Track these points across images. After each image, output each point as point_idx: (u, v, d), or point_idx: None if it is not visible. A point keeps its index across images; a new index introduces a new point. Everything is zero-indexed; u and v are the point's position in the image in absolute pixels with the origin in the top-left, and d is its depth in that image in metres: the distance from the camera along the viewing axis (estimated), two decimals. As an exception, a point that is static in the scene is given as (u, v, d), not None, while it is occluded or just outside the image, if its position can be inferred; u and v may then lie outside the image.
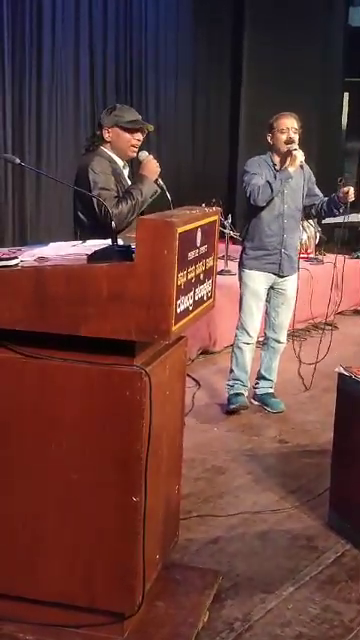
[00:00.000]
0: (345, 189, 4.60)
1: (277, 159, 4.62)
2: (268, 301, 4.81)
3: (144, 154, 3.62)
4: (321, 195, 4.79)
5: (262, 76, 9.33)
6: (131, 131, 3.61)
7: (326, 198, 4.75)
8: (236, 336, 4.80)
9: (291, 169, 4.49)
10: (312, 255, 7.54)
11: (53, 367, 2.32)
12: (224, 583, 2.91)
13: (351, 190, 4.59)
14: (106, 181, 3.49)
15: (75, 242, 2.71)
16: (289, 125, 4.57)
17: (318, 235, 7.68)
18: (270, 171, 4.58)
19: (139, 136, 3.64)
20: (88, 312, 2.22)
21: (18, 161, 2.85)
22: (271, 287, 4.75)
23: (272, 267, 4.67)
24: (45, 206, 6.68)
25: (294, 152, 4.49)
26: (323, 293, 6.92)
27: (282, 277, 4.72)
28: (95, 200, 3.37)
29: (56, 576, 2.42)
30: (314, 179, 4.81)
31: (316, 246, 7.67)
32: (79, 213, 3.57)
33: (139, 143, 3.64)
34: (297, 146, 4.51)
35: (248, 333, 4.75)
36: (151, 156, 3.62)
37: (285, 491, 3.77)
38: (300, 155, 4.50)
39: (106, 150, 3.62)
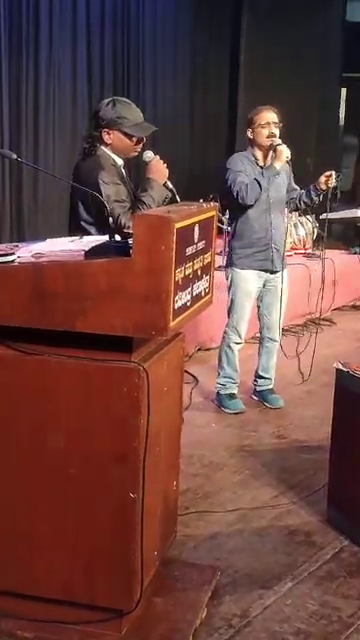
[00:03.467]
0: (327, 173, 4.54)
1: (259, 154, 4.58)
2: (260, 300, 4.77)
3: (149, 154, 3.34)
4: (298, 189, 4.75)
5: (260, 71, 9.32)
6: (135, 137, 3.34)
7: (303, 191, 4.70)
8: (226, 335, 4.76)
9: (278, 165, 4.45)
10: (309, 251, 7.54)
11: (51, 363, 2.31)
12: (222, 579, 2.91)
13: (333, 175, 4.54)
14: (118, 192, 3.24)
15: (73, 238, 2.69)
16: (270, 119, 4.50)
17: (316, 231, 7.67)
18: (253, 167, 4.54)
19: (143, 140, 3.39)
20: (85, 308, 2.22)
21: (15, 156, 2.83)
22: (263, 285, 4.71)
23: (264, 264, 4.63)
24: (43, 202, 6.65)
25: (279, 147, 4.44)
26: (320, 289, 6.93)
27: (274, 273, 4.68)
28: (110, 213, 3.07)
29: (54, 572, 2.41)
30: (292, 174, 4.78)
31: (314, 242, 7.66)
32: (82, 223, 3.28)
33: (141, 146, 3.40)
34: (280, 140, 4.46)
35: (239, 334, 4.73)
36: (157, 157, 3.34)
37: (283, 487, 3.76)
38: (286, 150, 4.44)
39: (106, 151, 3.35)
